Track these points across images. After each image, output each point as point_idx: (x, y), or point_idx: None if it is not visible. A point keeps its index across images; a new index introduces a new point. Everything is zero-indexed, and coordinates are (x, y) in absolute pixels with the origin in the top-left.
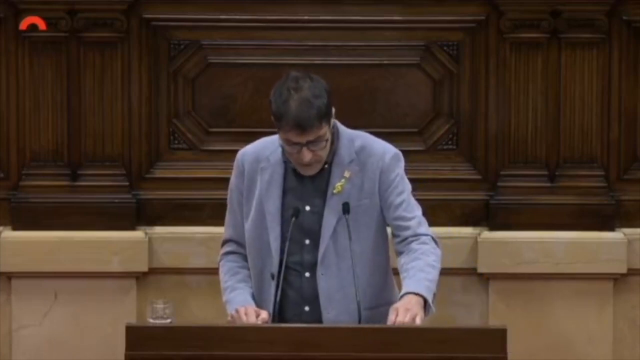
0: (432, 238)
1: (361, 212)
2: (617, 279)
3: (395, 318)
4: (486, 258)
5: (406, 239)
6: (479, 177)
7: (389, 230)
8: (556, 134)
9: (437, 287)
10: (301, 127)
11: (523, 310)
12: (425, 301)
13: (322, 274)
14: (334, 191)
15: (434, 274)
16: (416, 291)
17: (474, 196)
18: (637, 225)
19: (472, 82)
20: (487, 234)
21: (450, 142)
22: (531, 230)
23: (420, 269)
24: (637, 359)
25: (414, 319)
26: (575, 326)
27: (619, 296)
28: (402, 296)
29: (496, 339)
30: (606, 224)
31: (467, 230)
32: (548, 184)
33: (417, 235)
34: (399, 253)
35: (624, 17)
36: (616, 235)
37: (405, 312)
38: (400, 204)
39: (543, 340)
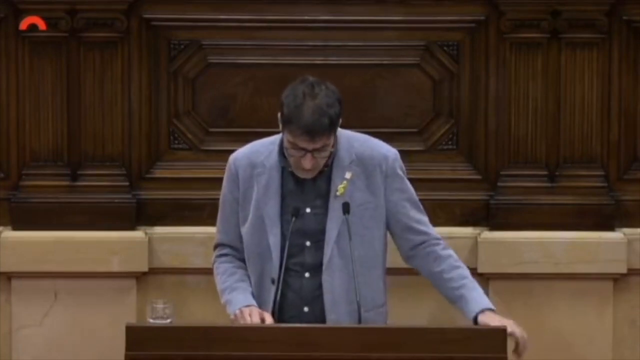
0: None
1: (367, 215)
2: (617, 279)
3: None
4: (486, 258)
5: (424, 242)
6: (479, 177)
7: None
8: (556, 134)
9: None
10: (311, 134)
11: (523, 310)
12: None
13: (327, 277)
14: (337, 193)
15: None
16: (490, 307)
17: (474, 196)
18: (637, 225)
19: (472, 82)
20: (487, 234)
21: (450, 142)
22: (531, 230)
23: (474, 283)
24: (637, 359)
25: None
26: (575, 326)
27: (619, 296)
28: (483, 311)
29: (496, 339)
30: (606, 224)
31: (467, 230)
32: (548, 184)
33: (436, 239)
34: (419, 257)
35: (624, 17)
36: (616, 235)
37: (517, 329)
38: (411, 208)
39: (543, 340)
